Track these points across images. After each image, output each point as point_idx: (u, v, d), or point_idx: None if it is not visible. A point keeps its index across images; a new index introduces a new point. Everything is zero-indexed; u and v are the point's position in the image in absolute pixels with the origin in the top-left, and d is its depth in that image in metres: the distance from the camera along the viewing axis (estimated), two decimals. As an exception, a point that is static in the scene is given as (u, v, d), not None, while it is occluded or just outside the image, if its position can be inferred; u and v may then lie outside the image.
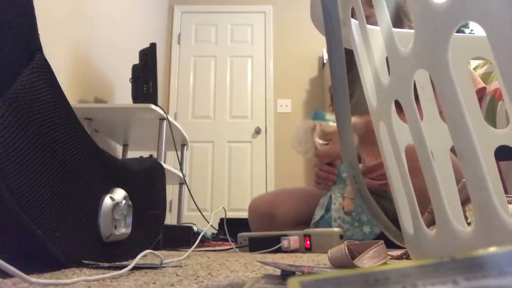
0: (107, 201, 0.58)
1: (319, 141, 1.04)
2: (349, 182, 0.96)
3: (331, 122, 1.05)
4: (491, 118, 1.20)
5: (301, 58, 3.19)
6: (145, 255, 0.52)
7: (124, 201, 0.62)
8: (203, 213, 1.60)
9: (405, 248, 0.39)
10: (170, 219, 2.68)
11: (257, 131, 3.02)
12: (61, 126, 0.51)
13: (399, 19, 1.10)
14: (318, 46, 3.13)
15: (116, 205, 0.59)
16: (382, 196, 1.08)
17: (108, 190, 0.60)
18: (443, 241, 0.29)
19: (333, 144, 1.06)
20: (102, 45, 1.95)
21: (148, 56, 1.75)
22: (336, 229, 0.91)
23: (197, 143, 2.95)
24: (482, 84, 1.22)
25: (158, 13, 3.00)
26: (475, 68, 1.44)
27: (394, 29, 0.31)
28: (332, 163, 1.11)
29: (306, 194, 1.27)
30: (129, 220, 0.65)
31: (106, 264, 0.52)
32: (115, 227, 0.60)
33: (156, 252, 0.55)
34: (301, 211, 1.21)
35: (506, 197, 0.37)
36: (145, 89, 1.72)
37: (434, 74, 0.25)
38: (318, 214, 1.11)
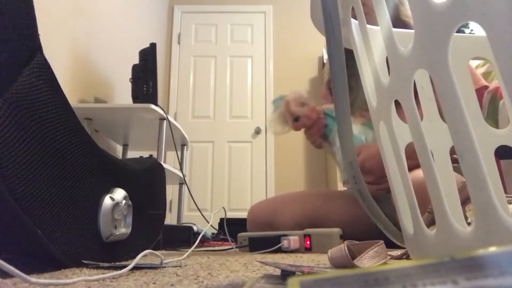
0: (107, 201, 0.58)
1: (296, 110, 1.11)
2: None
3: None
4: (492, 116, 1.20)
5: (301, 58, 3.19)
6: (145, 255, 0.52)
7: (124, 201, 0.62)
8: (203, 213, 1.60)
9: (405, 248, 0.39)
10: (170, 219, 2.69)
11: (257, 131, 3.02)
12: (61, 126, 0.51)
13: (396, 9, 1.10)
14: (318, 46, 3.13)
15: (116, 205, 0.59)
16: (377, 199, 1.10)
17: (108, 190, 0.60)
18: (443, 241, 0.29)
19: (307, 106, 1.13)
20: (102, 45, 1.95)
21: (148, 56, 1.75)
22: (336, 229, 0.91)
23: (197, 143, 2.95)
24: (484, 83, 1.21)
25: (158, 13, 3.00)
26: (475, 68, 1.43)
27: (394, 29, 0.31)
28: (317, 122, 1.16)
29: (304, 198, 1.26)
30: (129, 220, 0.65)
31: (106, 264, 0.52)
32: (115, 227, 0.60)
33: (156, 252, 0.55)
34: (301, 217, 1.20)
35: (506, 197, 0.37)
36: (145, 89, 1.72)
37: (434, 74, 0.25)
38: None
